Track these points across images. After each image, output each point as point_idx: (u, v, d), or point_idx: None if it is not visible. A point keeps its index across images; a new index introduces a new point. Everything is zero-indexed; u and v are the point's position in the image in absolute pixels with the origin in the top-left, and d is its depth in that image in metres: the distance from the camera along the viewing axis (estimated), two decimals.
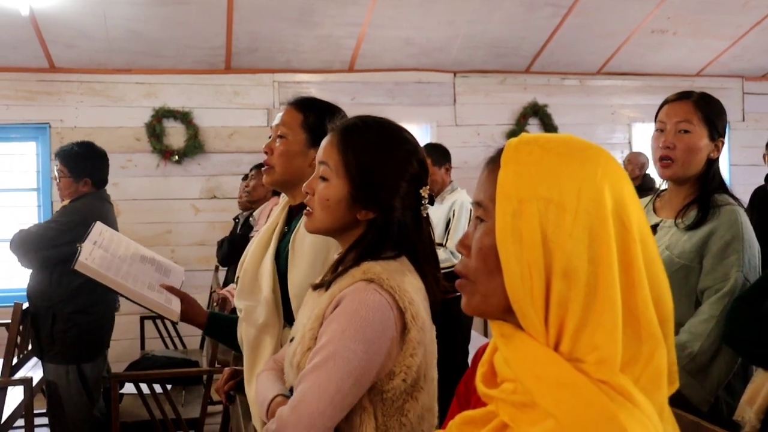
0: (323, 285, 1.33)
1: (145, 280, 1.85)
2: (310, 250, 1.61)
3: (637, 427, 0.70)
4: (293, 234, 1.68)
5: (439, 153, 4.04)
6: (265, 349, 1.64)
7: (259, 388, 1.40)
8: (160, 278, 1.91)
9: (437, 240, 3.75)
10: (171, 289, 1.85)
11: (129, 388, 3.39)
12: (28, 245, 3.16)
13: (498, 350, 0.84)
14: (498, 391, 0.81)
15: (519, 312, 0.79)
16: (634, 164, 5.40)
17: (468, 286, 0.86)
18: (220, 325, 1.86)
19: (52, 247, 3.11)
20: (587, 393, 0.72)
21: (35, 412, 3.13)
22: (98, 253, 1.86)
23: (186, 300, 1.85)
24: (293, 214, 1.76)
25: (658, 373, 0.77)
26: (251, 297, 1.71)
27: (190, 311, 1.83)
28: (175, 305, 1.81)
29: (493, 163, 0.85)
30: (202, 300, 5.00)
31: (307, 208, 1.38)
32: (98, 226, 2.04)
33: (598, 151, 0.82)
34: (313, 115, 1.70)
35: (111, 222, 3.32)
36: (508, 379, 0.81)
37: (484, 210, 0.85)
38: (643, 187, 5.16)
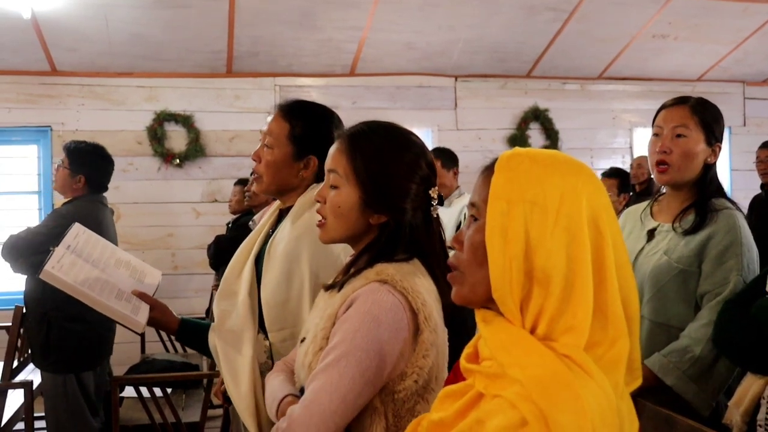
0: (335, 286, 1.33)
1: (115, 286, 1.79)
2: (282, 258, 1.61)
3: (588, 395, 0.80)
4: (270, 240, 1.67)
5: (448, 157, 4.18)
6: (242, 356, 1.62)
7: (269, 388, 1.41)
8: (133, 284, 1.86)
9: (447, 243, 3.70)
10: (142, 296, 1.81)
11: (129, 391, 3.38)
12: (17, 251, 3.09)
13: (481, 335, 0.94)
14: (477, 366, 0.92)
15: (499, 299, 0.90)
16: (645, 168, 5.25)
17: (458, 278, 0.97)
18: (190, 331, 1.82)
19: (40, 253, 2.93)
20: (550, 363, 0.83)
21: (35, 415, 3.12)
22: (68, 259, 1.79)
23: (156, 307, 1.81)
24: (282, 217, 1.75)
25: (618, 356, 0.87)
26: (228, 299, 1.70)
27: (161, 318, 1.80)
28: (141, 315, 1.75)
29: (488, 170, 0.96)
30: (204, 303, 5.03)
31: (320, 218, 1.37)
32: (75, 228, 1.95)
33: (580, 166, 0.94)
34: (300, 126, 1.68)
35: (106, 226, 3.25)
36: (487, 358, 0.91)
37: (477, 210, 0.96)
38: (649, 191, 5.09)
